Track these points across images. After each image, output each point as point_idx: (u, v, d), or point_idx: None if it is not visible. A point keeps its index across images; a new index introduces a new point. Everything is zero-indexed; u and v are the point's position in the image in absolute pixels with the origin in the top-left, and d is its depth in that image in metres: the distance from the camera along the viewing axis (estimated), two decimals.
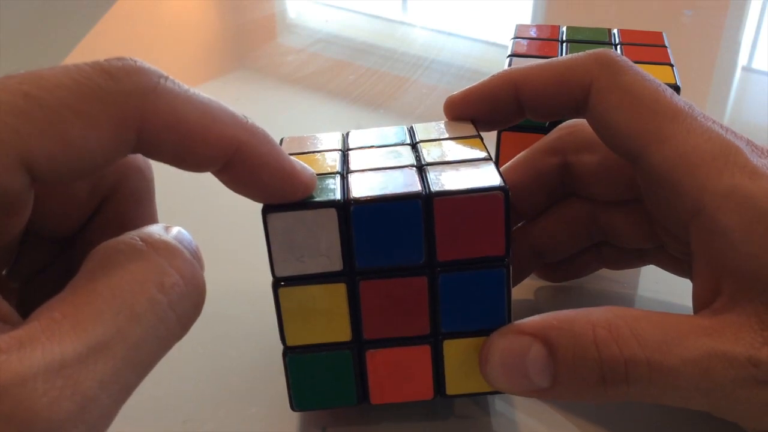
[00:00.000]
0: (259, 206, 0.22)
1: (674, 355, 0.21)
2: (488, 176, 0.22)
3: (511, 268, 0.23)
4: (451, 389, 0.25)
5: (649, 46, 0.37)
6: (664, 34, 0.39)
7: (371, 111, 0.50)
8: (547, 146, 0.29)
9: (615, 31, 0.39)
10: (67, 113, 0.17)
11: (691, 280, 0.24)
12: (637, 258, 0.31)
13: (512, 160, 0.30)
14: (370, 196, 0.22)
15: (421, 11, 0.73)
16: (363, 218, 0.22)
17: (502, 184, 0.22)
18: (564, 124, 0.30)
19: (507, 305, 0.23)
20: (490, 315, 0.23)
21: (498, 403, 0.27)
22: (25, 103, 0.17)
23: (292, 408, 0.25)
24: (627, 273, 0.34)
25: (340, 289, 0.23)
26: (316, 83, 0.55)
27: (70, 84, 0.18)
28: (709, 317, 0.22)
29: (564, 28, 0.40)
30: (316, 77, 0.56)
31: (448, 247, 0.22)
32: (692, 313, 0.24)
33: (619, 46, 0.37)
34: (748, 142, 0.24)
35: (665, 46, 0.37)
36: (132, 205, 0.23)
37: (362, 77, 0.55)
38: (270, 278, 0.23)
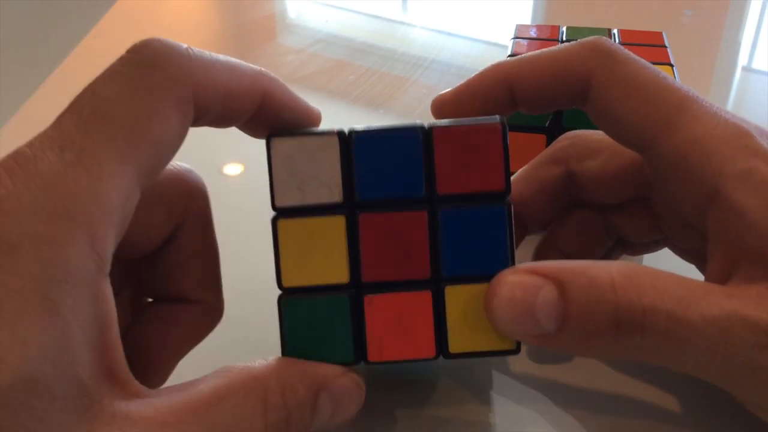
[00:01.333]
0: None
1: (694, 310, 0.21)
2: (486, 117, 0.24)
3: (512, 208, 0.23)
4: (454, 346, 0.23)
5: (649, 46, 0.37)
6: (664, 34, 0.39)
7: (371, 111, 0.50)
8: (550, 157, 0.29)
9: (615, 31, 0.39)
10: (146, 120, 0.19)
11: (702, 271, 0.24)
12: (654, 243, 0.31)
13: (516, 173, 0.30)
14: (372, 128, 0.23)
15: (421, 11, 0.73)
16: (364, 147, 0.23)
17: (500, 119, 0.23)
18: (565, 135, 0.30)
19: (510, 248, 0.23)
20: (492, 258, 0.23)
21: (499, 401, 0.27)
22: (113, 131, 0.19)
23: (283, 354, 0.24)
24: None
25: (339, 223, 0.23)
26: (316, 83, 0.55)
27: (132, 92, 0.19)
28: (729, 286, 0.22)
29: (564, 28, 0.40)
30: (316, 77, 0.56)
31: (448, 180, 0.23)
32: None
33: None
34: (756, 127, 0.24)
35: (665, 46, 0.38)
36: (201, 229, 0.25)
37: (362, 77, 0.55)
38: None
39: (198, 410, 0.19)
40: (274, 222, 0.23)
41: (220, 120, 0.22)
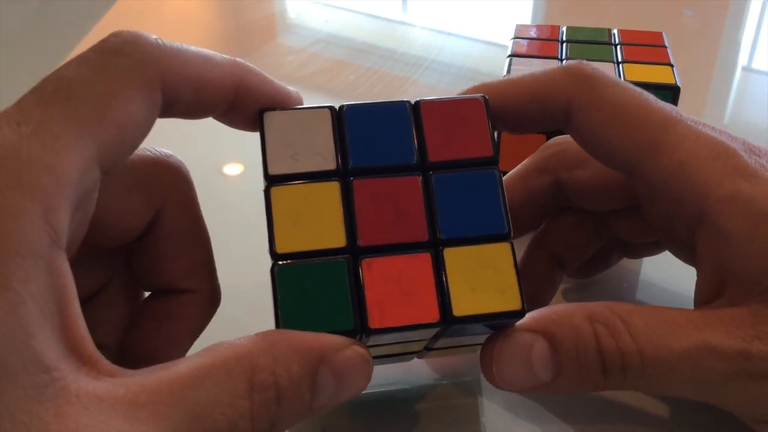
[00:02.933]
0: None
1: (664, 347, 0.22)
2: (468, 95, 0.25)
3: (501, 175, 0.24)
4: (458, 309, 0.22)
5: (649, 46, 0.37)
6: (664, 34, 0.39)
7: None
8: (538, 165, 0.29)
9: (615, 31, 0.39)
10: (107, 99, 0.19)
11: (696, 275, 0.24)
12: (654, 246, 0.31)
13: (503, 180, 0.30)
14: (361, 102, 0.24)
15: (421, 11, 0.73)
16: (355, 118, 0.23)
17: (482, 95, 0.24)
18: (551, 141, 0.30)
19: (504, 210, 0.23)
20: (488, 219, 0.23)
21: (489, 407, 0.28)
22: (72, 107, 0.18)
23: (278, 327, 0.22)
24: (627, 271, 0.34)
25: (333, 188, 0.23)
26: (316, 83, 0.55)
27: (95, 74, 0.19)
28: (702, 311, 0.23)
29: (564, 28, 0.40)
30: (316, 77, 0.56)
31: (437, 148, 0.23)
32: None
33: (619, 46, 0.37)
34: (744, 143, 0.24)
35: (665, 46, 0.37)
36: (185, 214, 0.24)
37: (362, 77, 0.55)
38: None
39: (174, 390, 0.18)
40: (267, 190, 0.22)
41: (193, 110, 0.22)
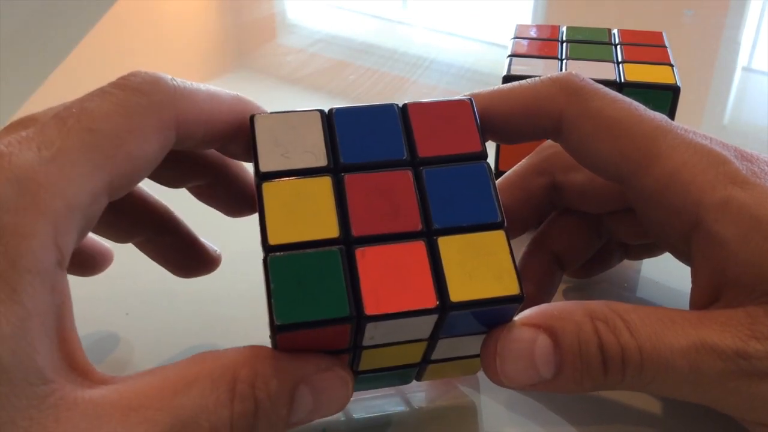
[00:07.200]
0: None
1: (663, 344, 0.22)
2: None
3: (492, 168, 0.24)
4: (455, 294, 0.22)
5: (649, 46, 0.37)
6: (664, 34, 0.39)
7: None
8: (535, 167, 0.30)
9: (615, 31, 0.39)
10: (126, 135, 0.20)
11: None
12: (654, 247, 0.31)
13: (500, 181, 0.30)
14: (350, 106, 0.24)
15: (421, 11, 0.73)
16: (345, 119, 0.24)
17: (469, 97, 0.25)
18: (548, 142, 0.30)
19: (496, 200, 0.23)
20: (480, 210, 0.23)
21: (486, 402, 0.27)
22: (92, 139, 0.20)
23: (274, 322, 0.21)
24: (627, 271, 0.34)
25: (325, 182, 0.23)
26: (316, 83, 0.55)
27: (116, 110, 0.20)
28: (698, 312, 0.23)
29: (564, 28, 0.40)
30: (316, 77, 0.56)
31: (427, 145, 0.24)
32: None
33: (619, 46, 0.37)
34: (736, 150, 0.24)
35: (665, 46, 0.37)
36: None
37: (362, 77, 0.55)
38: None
39: (164, 396, 0.19)
40: (259, 186, 0.22)
41: (201, 145, 0.23)
